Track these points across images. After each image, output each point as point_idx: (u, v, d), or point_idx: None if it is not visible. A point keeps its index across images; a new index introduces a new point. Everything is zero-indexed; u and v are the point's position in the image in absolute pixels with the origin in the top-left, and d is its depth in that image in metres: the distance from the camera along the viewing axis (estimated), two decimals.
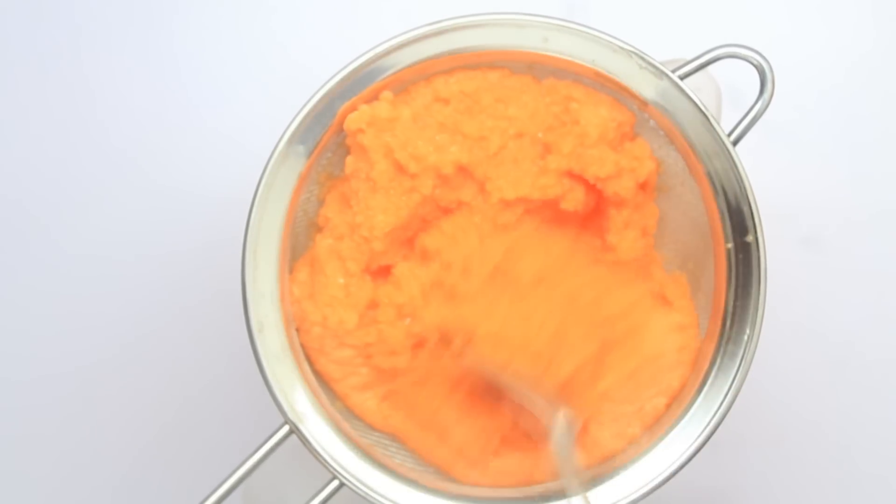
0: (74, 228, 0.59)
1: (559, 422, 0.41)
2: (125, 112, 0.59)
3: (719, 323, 0.43)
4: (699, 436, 0.42)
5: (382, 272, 0.44)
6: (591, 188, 0.43)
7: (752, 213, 0.42)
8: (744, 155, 0.43)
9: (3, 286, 0.59)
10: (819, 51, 0.60)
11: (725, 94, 0.50)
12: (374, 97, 0.43)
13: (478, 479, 0.45)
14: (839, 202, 0.60)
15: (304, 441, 0.42)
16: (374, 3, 0.61)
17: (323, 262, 0.43)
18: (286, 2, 0.61)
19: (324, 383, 0.44)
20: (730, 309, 0.43)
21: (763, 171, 0.47)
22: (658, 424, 0.44)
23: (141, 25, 0.60)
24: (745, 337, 0.43)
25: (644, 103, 0.43)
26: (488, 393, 0.44)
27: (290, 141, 0.42)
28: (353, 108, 0.43)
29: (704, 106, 0.42)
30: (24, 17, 0.60)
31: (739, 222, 0.43)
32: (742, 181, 0.42)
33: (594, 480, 0.43)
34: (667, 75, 0.42)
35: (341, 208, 0.43)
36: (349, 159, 0.43)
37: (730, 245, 0.43)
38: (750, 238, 0.42)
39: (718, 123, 0.42)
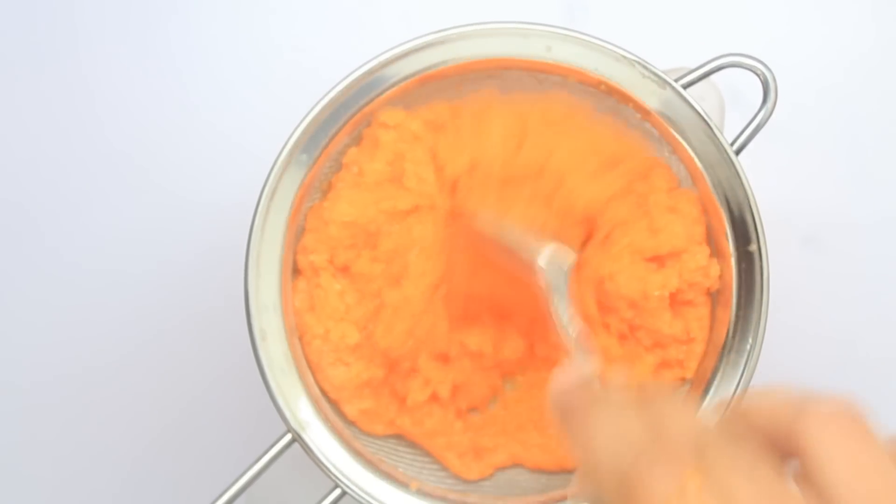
0: (75, 234, 0.59)
1: (549, 255, 0.38)
2: (126, 116, 0.59)
3: (722, 332, 0.43)
4: None
5: (344, 270, 0.44)
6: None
7: (755, 223, 0.42)
8: (743, 156, 0.43)
9: (4, 293, 0.59)
10: (818, 51, 0.60)
11: (727, 95, 0.50)
12: (379, 105, 0.43)
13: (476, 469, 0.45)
14: (839, 202, 0.60)
15: (307, 450, 0.42)
16: (374, 5, 0.60)
17: (306, 272, 0.43)
18: (285, 3, 0.60)
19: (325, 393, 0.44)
20: (732, 318, 0.43)
21: (763, 172, 0.47)
22: None
23: (139, 27, 0.60)
24: (748, 347, 0.43)
25: (647, 112, 0.43)
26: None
27: (293, 150, 0.42)
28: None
29: (708, 116, 0.42)
30: (23, 19, 0.60)
31: (742, 231, 0.43)
32: (745, 191, 0.42)
33: None
34: (670, 85, 0.42)
35: (320, 206, 0.44)
36: (352, 150, 0.43)
37: (733, 254, 0.43)
38: (753, 247, 0.42)
39: (721, 133, 0.42)
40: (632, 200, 0.43)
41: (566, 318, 0.37)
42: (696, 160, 0.43)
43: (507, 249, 0.40)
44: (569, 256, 0.38)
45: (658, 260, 0.43)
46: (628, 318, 0.44)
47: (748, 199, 0.42)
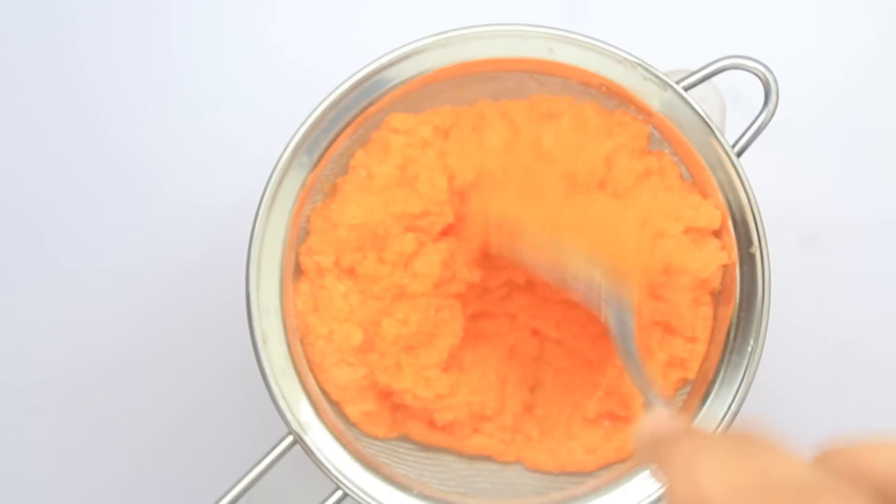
0: (75, 236, 0.58)
1: (616, 299, 0.38)
2: (126, 118, 0.59)
3: (724, 334, 0.43)
4: None
5: (349, 272, 0.44)
6: None
7: (756, 224, 0.42)
8: (743, 156, 0.42)
9: (4, 295, 0.59)
10: (818, 51, 0.60)
11: (727, 95, 0.50)
12: (381, 107, 0.43)
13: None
14: (839, 202, 0.60)
15: (308, 452, 0.42)
16: (375, 7, 0.60)
17: (310, 273, 0.43)
18: (285, 3, 0.60)
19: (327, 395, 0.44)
20: (734, 320, 0.43)
21: (763, 172, 0.47)
22: None
23: (139, 27, 0.60)
24: (749, 348, 0.43)
25: (649, 114, 0.43)
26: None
27: (295, 152, 0.42)
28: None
29: (709, 117, 0.42)
30: (23, 20, 0.60)
31: (744, 233, 0.43)
32: (747, 192, 0.42)
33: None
34: (671, 87, 0.42)
35: (325, 208, 0.44)
36: (359, 153, 0.43)
37: (734, 256, 0.43)
38: (754, 249, 0.42)
39: (723, 135, 0.42)
40: (648, 180, 0.43)
41: (640, 372, 0.36)
42: (698, 161, 0.43)
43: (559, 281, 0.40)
44: (628, 304, 0.37)
45: (697, 232, 0.43)
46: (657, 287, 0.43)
47: (750, 201, 0.42)
